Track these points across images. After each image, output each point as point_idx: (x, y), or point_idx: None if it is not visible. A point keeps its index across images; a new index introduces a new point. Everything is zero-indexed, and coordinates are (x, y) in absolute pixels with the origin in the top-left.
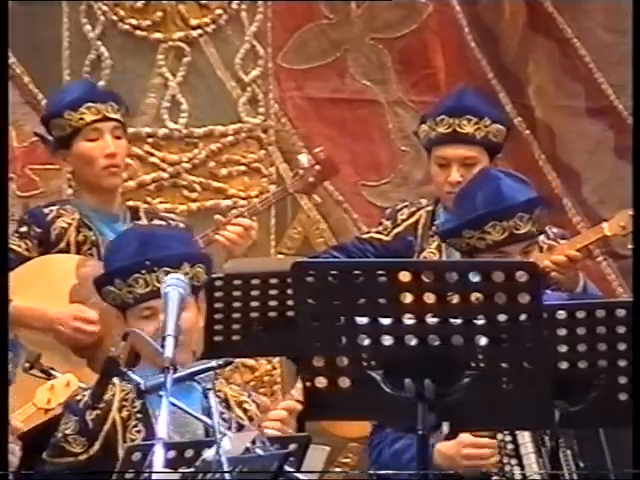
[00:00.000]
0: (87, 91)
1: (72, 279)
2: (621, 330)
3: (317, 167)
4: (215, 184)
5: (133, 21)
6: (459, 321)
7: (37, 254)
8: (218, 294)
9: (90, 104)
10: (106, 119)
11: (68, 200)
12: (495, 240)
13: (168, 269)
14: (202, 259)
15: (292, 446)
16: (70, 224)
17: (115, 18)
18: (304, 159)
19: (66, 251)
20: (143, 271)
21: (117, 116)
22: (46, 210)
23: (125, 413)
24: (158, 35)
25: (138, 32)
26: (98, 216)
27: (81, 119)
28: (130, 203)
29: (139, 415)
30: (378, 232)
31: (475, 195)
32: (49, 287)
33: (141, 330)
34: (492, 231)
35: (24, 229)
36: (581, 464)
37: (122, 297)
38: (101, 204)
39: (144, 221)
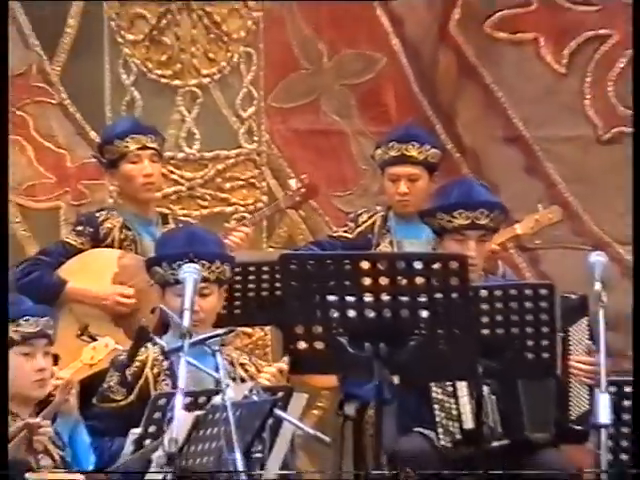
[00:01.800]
0: (132, 125)
1: (114, 267)
2: (529, 305)
3: (303, 190)
4: (221, 195)
5: (158, 72)
6: (406, 298)
7: (89, 247)
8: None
9: (134, 135)
10: (145, 148)
11: (114, 207)
12: (460, 224)
13: (205, 262)
14: (229, 259)
15: (280, 394)
16: (115, 225)
17: (145, 69)
18: (293, 183)
19: (111, 246)
20: (186, 260)
21: (154, 145)
22: (97, 214)
23: (156, 370)
24: (177, 82)
25: (162, 80)
26: (137, 220)
27: (126, 147)
28: (157, 209)
29: (167, 372)
30: (345, 231)
31: (452, 190)
32: (97, 273)
33: (175, 304)
34: (459, 217)
35: (80, 228)
36: (501, 406)
37: (165, 277)
38: (139, 211)
39: (172, 225)
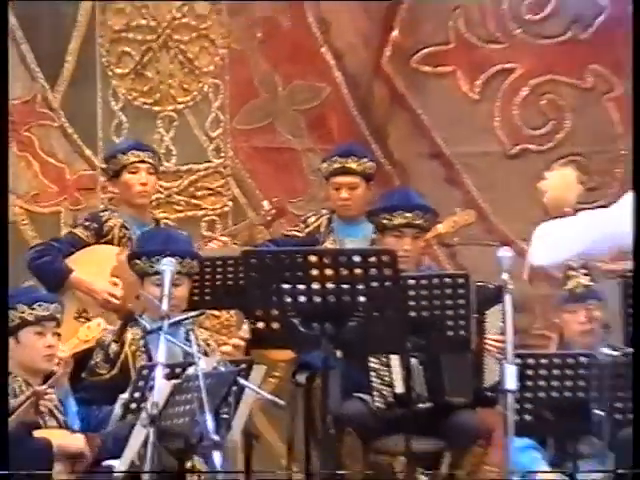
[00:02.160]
0: (134, 144)
1: (113, 262)
2: (448, 291)
3: (274, 211)
4: (193, 201)
5: (142, 100)
6: (347, 286)
7: (93, 241)
8: (198, 270)
9: (135, 151)
10: (143, 162)
11: (115, 209)
12: (399, 223)
13: (178, 257)
14: (197, 256)
15: (242, 365)
16: (115, 225)
17: (130, 98)
18: (266, 204)
19: (111, 242)
20: (163, 255)
21: (151, 161)
22: (101, 214)
23: (133, 348)
24: (157, 108)
25: (145, 106)
26: (134, 222)
27: (127, 159)
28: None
29: (142, 349)
30: (297, 231)
31: (393, 195)
32: (99, 265)
33: (153, 292)
34: (398, 217)
35: (87, 223)
36: (427, 375)
37: (144, 269)
38: (136, 214)
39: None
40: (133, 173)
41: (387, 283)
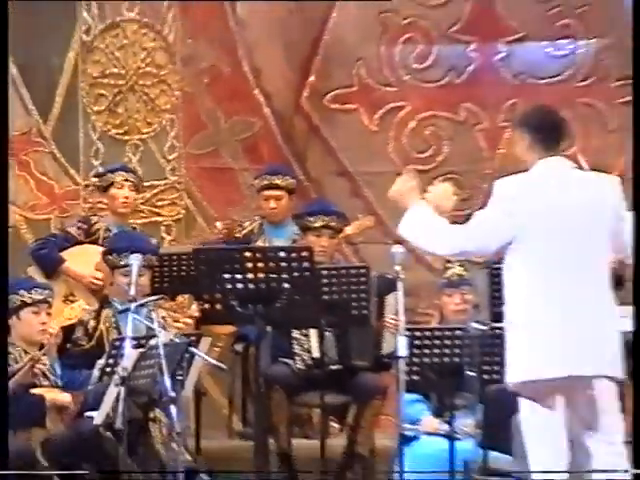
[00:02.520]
0: (121, 166)
1: (97, 258)
2: (354, 279)
3: (225, 231)
4: (155, 210)
5: (114, 131)
6: (274, 275)
7: (83, 239)
8: (157, 263)
9: (121, 172)
10: (127, 180)
11: (101, 216)
12: (318, 225)
13: (142, 254)
14: (156, 252)
15: (193, 337)
16: (101, 227)
17: (105, 129)
18: (219, 225)
19: (96, 241)
20: (129, 252)
21: (133, 180)
22: (91, 218)
23: (107, 325)
24: (126, 137)
25: (117, 136)
26: (116, 226)
27: (114, 178)
28: (130, 221)
29: (114, 325)
30: (235, 232)
31: (315, 203)
32: (86, 259)
33: (122, 281)
34: (318, 220)
35: (79, 224)
36: (337, 343)
37: (115, 262)
38: (118, 220)
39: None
40: (119, 189)
41: (306, 273)
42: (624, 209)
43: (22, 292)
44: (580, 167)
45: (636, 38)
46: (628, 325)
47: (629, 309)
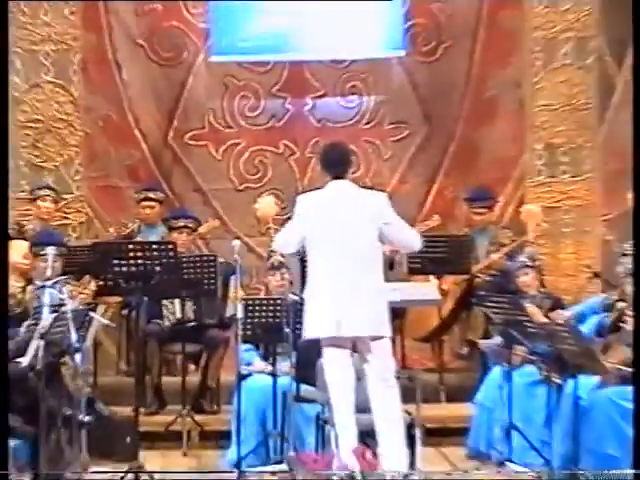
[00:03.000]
0: (45, 185)
1: (26, 250)
2: (206, 264)
3: (115, 230)
4: (65, 215)
5: (37, 159)
6: (149, 261)
7: (16, 236)
8: (67, 253)
9: (45, 189)
10: (49, 195)
11: (28, 221)
12: (179, 226)
13: (55, 246)
14: (64, 245)
15: (92, 305)
16: (29, 229)
17: (30, 158)
18: (112, 229)
19: (25, 239)
20: (47, 244)
21: (54, 195)
22: (23, 222)
23: (30, 296)
24: (45, 164)
25: (38, 163)
26: (40, 227)
27: (39, 193)
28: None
29: (36, 297)
30: (123, 231)
31: (177, 209)
32: (17, 251)
33: (42, 265)
34: (179, 222)
35: (14, 227)
36: (194, 308)
37: (37, 252)
38: (41, 223)
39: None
40: (44, 200)
41: (171, 260)
42: (389, 215)
43: None
44: (363, 186)
45: (636, 38)
46: (395, 296)
47: (398, 284)
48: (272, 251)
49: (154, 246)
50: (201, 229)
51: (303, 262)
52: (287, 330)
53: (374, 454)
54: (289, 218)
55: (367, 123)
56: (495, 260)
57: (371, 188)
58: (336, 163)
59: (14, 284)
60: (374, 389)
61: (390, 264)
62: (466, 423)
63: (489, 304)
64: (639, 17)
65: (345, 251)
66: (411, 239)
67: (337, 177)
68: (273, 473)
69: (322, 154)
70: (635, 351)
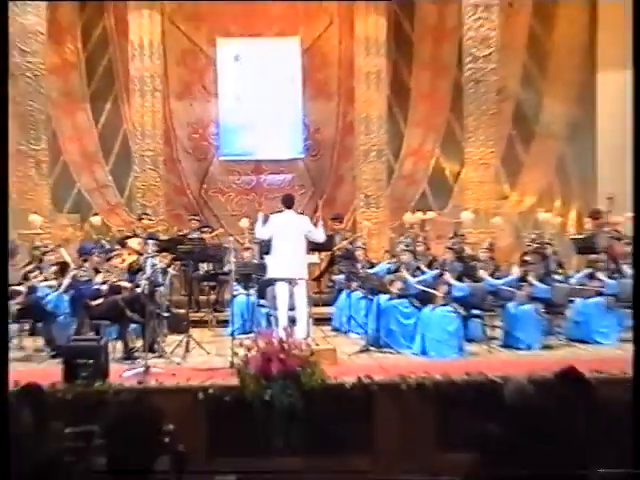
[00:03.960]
0: None
1: (139, 241)
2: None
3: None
4: None
5: None
6: (197, 249)
7: None
8: None
9: None
10: None
11: None
12: (204, 231)
13: (152, 240)
14: (157, 238)
15: None
16: None
17: None
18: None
19: None
20: (147, 239)
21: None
22: None
23: (142, 262)
24: None
25: None
26: None
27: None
28: None
29: (144, 263)
30: (183, 234)
31: (205, 223)
32: (134, 243)
33: (147, 248)
34: (204, 229)
35: None
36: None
37: (144, 243)
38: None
39: None
40: (147, 220)
41: (202, 246)
42: (309, 226)
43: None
44: (298, 213)
45: (636, 37)
46: (313, 259)
47: (314, 256)
48: (246, 244)
49: (195, 240)
50: (215, 233)
51: (261, 247)
52: (253, 275)
53: (292, 329)
54: (253, 229)
55: (287, 187)
56: (343, 245)
57: (302, 214)
58: (288, 202)
59: (134, 258)
60: (297, 300)
61: (319, 247)
62: (331, 315)
63: (341, 264)
64: (639, 17)
65: (289, 240)
66: (318, 237)
67: (288, 208)
68: (248, 338)
69: (283, 198)
70: (635, 350)
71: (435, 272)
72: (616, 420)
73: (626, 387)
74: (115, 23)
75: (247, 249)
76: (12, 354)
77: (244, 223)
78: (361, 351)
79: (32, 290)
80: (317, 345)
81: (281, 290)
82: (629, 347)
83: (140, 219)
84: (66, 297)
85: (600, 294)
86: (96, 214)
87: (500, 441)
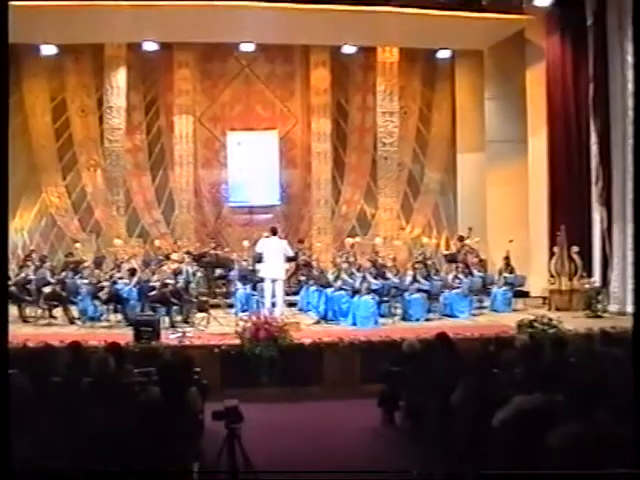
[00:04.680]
0: None
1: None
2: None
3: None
4: None
5: None
6: (214, 259)
7: None
8: None
9: None
10: None
11: None
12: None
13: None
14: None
15: None
16: None
17: None
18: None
19: None
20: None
21: None
22: None
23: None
24: None
25: None
26: None
27: None
28: None
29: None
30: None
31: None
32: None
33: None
34: (219, 247)
35: None
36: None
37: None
38: None
39: None
40: (176, 242)
41: (216, 257)
42: (285, 246)
43: None
44: (280, 237)
45: (636, 38)
46: (287, 266)
47: (287, 265)
48: (244, 257)
49: (213, 255)
50: (225, 250)
51: (254, 258)
52: (248, 276)
53: (273, 309)
54: (250, 247)
55: (270, 223)
56: (304, 258)
57: (282, 238)
58: (273, 231)
59: (175, 266)
60: (276, 291)
61: (293, 259)
62: (296, 301)
63: (303, 270)
64: (639, 17)
65: (274, 254)
66: (289, 254)
67: (273, 234)
68: (245, 315)
69: (271, 228)
70: (635, 348)
71: (360, 274)
72: (466, 363)
73: (474, 342)
74: (165, 122)
75: (245, 260)
76: (102, 324)
77: (245, 243)
78: (315, 323)
79: (114, 285)
80: (288, 319)
81: (267, 285)
82: (478, 319)
83: (178, 242)
84: (135, 289)
85: (459, 287)
86: (157, 239)
87: (398, 376)
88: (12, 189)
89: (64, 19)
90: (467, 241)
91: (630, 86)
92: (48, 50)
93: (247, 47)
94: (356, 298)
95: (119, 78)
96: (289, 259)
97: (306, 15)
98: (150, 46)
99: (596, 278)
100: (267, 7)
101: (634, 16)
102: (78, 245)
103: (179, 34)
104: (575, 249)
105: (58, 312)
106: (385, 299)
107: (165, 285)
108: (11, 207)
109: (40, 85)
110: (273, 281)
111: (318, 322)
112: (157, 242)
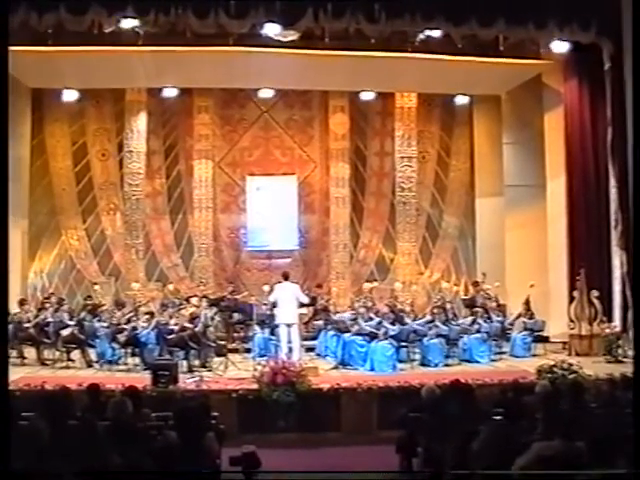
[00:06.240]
0: None
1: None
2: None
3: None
4: None
5: None
6: (232, 304)
7: None
8: None
9: None
10: None
11: None
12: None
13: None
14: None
15: None
16: None
17: None
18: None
19: None
20: (199, 297)
21: None
22: None
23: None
24: None
25: None
26: None
27: None
28: None
29: (202, 314)
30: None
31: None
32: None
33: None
34: (237, 292)
35: None
36: None
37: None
38: None
39: None
40: (193, 283)
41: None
42: (299, 292)
43: None
44: (292, 282)
45: (636, 38)
46: (302, 311)
47: (303, 309)
48: (263, 301)
49: (231, 299)
50: (243, 294)
51: (271, 304)
52: (266, 321)
53: (290, 354)
54: (269, 292)
55: (288, 267)
56: (322, 303)
57: (295, 283)
58: (285, 276)
59: (193, 309)
60: (292, 336)
61: (312, 303)
62: (314, 346)
63: (320, 314)
64: (639, 17)
65: (287, 299)
66: (303, 300)
67: (285, 279)
68: (263, 360)
69: (282, 274)
70: (635, 350)
71: (378, 319)
72: (485, 410)
73: (493, 388)
74: (185, 167)
75: (264, 304)
76: (119, 367)
77: (265, 288)
78: (332, 368)
79: (133, 329)
80: (305, 364)
81: (282, 330)
82: (497, 364)
83: (198, 286)
84: (153, 333)
85: (478, 332)
86: (171, 283)
87: (417, 422)
88: (32, 231)
89: (86, 65)
90: (485, 286)
91: None
92: (70, 95)
93: (266, 93)
94: (374, 343)
95: (139, 123)
96: (302, 304)
97: (325, 61)
98: (170, 92)
99: (616, 323)
100: (286, 53)
101: (634, 16)
102: (97, 287)
103: (199, 80)
104: (595, 293)
105: (76, 355)
106: (403, 344)
107: (183, 329)
108: (31, 249)
109: (61, 129)
110: (288, 325)
111: (336, 367)
112: (171, 286)
